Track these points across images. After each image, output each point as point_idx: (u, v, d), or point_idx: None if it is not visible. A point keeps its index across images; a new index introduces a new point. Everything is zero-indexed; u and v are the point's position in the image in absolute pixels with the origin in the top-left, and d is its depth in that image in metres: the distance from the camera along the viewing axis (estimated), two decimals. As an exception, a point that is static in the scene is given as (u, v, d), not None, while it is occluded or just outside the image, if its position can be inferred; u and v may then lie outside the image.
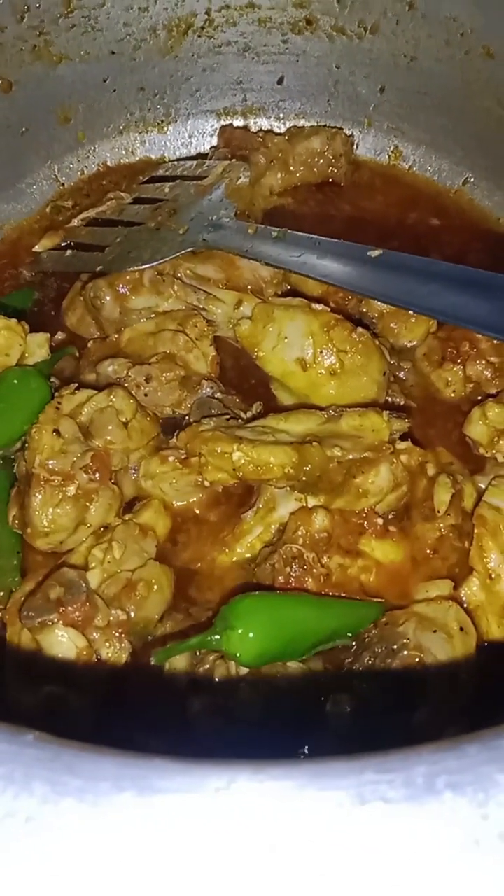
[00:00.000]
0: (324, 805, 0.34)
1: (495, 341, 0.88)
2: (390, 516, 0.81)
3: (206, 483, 0.83)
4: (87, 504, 0.79)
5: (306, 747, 0.65)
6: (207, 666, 0.71)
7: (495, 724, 0.39)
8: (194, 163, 1.06)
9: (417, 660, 0.69)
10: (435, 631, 0.71)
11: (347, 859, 0.33)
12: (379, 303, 0.91)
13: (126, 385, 0.86)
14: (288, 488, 0.80)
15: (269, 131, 1.14)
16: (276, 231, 0.90)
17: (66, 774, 0.34)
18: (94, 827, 0.32)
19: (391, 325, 0.93)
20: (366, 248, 0.83)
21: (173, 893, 0.32)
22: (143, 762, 0.36)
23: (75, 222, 1.06)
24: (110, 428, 0.81)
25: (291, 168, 1.09)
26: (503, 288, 0.72)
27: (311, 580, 0.76)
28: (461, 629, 0.71)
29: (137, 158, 1.16)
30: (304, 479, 0.78)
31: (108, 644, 0.73)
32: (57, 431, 0.79)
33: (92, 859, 0.32)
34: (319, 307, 0.87)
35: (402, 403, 0.90)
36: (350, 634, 0.73)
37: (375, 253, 0.82)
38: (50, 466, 0.78)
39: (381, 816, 0.34)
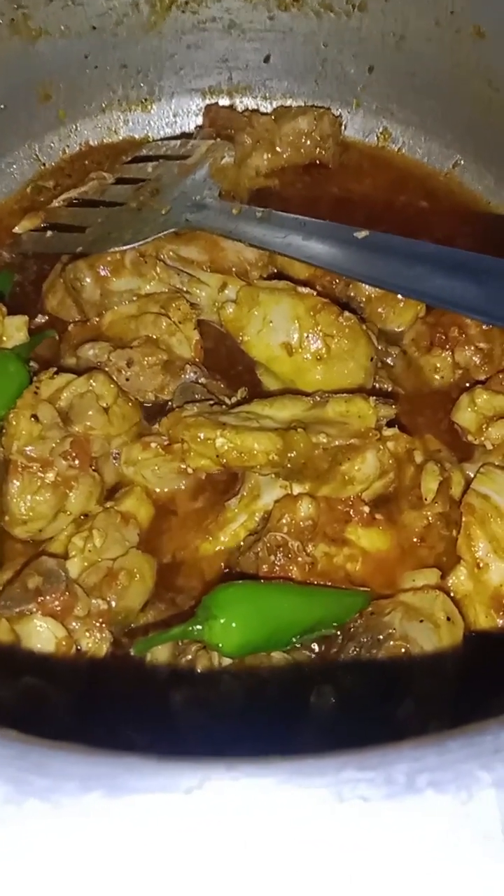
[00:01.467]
0: (301, 803, 0.33)
1: (484, 326, 0.86)
2: (377, 504, 0.79)
3: (190, 470, 0.81)
4: (67, 491, 0.77)
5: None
6: (189, 657, 0.70)
7: (481, 717, 0.38)
8: (178, 142, 1.04)
9: (403, 650, 0.68)
10: (421, 621, 0.70)
11: (326, 859, 0.32)
12: (367, 287, 0.89)
13: (107, 369, 0.84)
14: (273, 475, 0.78)
15: (256, 111, 1.12)
16: (261, 211, 0.88)
17: (32, 773, 0.32)
18: (56, 828, 0.31)
19: (379, 309, 0.91)
20: (352, 230, 0.81)
21: (140, 894, 0.31)
22: (115, 760, 0.34)
23: (56, 203, 1.04)
24: (90, 413, 0.79)
25: (278, 149, 1.07)
26: (490, 270, 0.71)
27: (295, 569, 0.74)
28: (448, 619, 0.70)
29: (120, 138, 1.13)
30: (288, 465, 0.76)
31: (88, 634, 0.72)
32: (35, 417, 0.77)
33: (52, 861, 0.30)
34: (305, 290, 0.85)
35: (389, 389, 0.88)
36: (335, 624, 0.72)
37: (362, 234, 0.80)
38: (28, 453, 0.76)
39: (361, 815, 0.32)
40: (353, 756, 0.34)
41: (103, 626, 0.72)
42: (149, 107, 1.13)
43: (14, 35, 0.99)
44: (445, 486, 0.79)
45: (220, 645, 0.65)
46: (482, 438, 0.81)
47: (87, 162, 1.11)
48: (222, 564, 0.79)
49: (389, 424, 0.80)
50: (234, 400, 0.85)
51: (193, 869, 0.31)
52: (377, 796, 0.33)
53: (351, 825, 0.32)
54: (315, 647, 0.72)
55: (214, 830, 0.32)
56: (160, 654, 0.71)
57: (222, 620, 0.65)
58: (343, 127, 1.12)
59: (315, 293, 0.85)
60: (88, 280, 0.88)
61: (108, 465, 0.82)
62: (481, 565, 0.73)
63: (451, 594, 0.74)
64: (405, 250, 0.78)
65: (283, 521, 0.75)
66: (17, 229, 1.01)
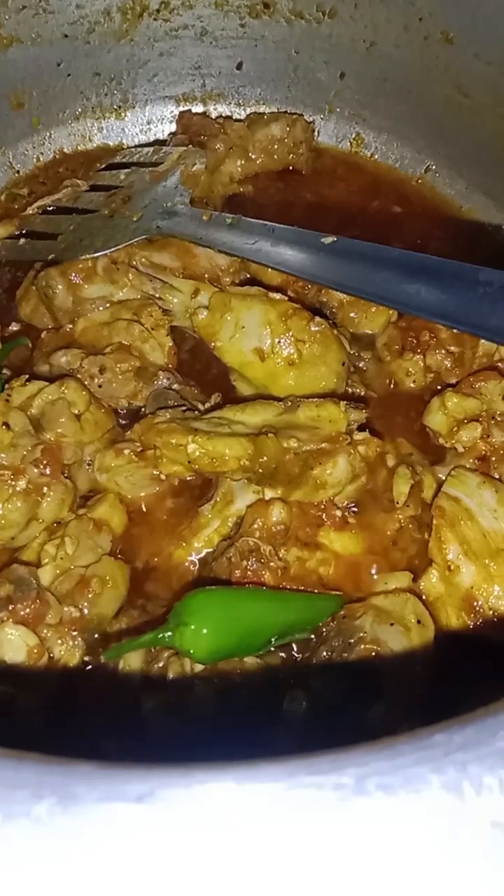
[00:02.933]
0: (252, 809, 0.33)
1: (455, 330, 0.87)
2: (350, 507, 0.80)
3: (163, 476, 0.82)
4: (39, 499, 0.77)
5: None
6: (161, 663, 0.70)
7: (453, 717, 0.38)
8: (151, 149, 1.04)
9: (374, 653, 0.68)
10: (392, 624, 0.70)
11: (276, 863, 0.32)
12: (339, 292, 0.90)
13: (79, 376, 0.84)
14: (245, 481, 0.79)
15: (229, 118, 1.13)
16: (231, 218, 0.88)
17: (-20, 783, 0.32)
18: (8, 837, 0.31)
19: (351, 314, 0.91)
20: (320, 235, 0.81)
21: (92, 906, 0.31)
22: (66, 768, 0.34)
23: (30, 210, 1.04)
24: (62, 420, 0.79)
25: (251, 155, 1.08)
26: (455, 275, 0.71)
27: (268, 574, 0.74)
28: (418, 622, 0.70)
29: (95, 145, 1.13)
30: (260, 470, 0.76)
31: (60, 642, 0.72)
32: (6, 424, 0.77)
33: (2, 872, 0.30)
34: (277, 296, 0.85)
35: (362, 394, 0.89)
36: (308, 628, 0.72)
37: (329, 240, 0.81)
38: (-1, 461, 0.76)
39: (312, 819, 0.32)
40: (303, 761, 0.34)
41: (76, 633, 0.72)
42: (122, 114, 1.13)
43: (-15, 43, 0.99)
44: (417, 489, 0.79)
45: (192, 651, 0.65)
46: (453, 441, 0.82)
47: (61, 169, 1.11)
48: (195, 570, 0.79)
49: (361, 429, 0.80)
50: (207, 406, 0.85)
51: (143, 878, 0.31)
52: (327, 800, 0.33)
53: (300, 830, 0.32)
54: (287, 651, 0.72)
55: (164, 839, 0.32)
56: (132, 660, 0.71)
57: (193, 626, 0.65)
58: (316, 133, 1.13)
59: (287, 299, 0.86)
60: (60, 287, 0.88)
61: (82, 472, 0.82)
62: (452, 568, 0.74)
63: (423, 597, 0.74)
64: (372, 255, 0.78)
65: (255, 525, 0.75)
66: (-10, 237, 1.01)
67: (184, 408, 0.84)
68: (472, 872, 0.32)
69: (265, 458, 0.76)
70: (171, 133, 1.12)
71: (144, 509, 0.82)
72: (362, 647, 0.68)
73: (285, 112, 1.12)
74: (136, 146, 1.13)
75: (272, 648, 0.71)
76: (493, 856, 0.32)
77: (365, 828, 0.32)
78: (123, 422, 0.86)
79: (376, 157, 1.12)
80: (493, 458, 0.81)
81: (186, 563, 0.80)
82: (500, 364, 0.86)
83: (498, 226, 1.03)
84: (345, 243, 0.80)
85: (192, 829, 0.32)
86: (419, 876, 0.31)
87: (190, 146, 1.01)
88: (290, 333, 0.83)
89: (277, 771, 0.34)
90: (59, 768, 0.35)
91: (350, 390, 0.88)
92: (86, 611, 0.73)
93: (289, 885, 0.31)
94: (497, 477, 0.79)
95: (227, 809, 0.33)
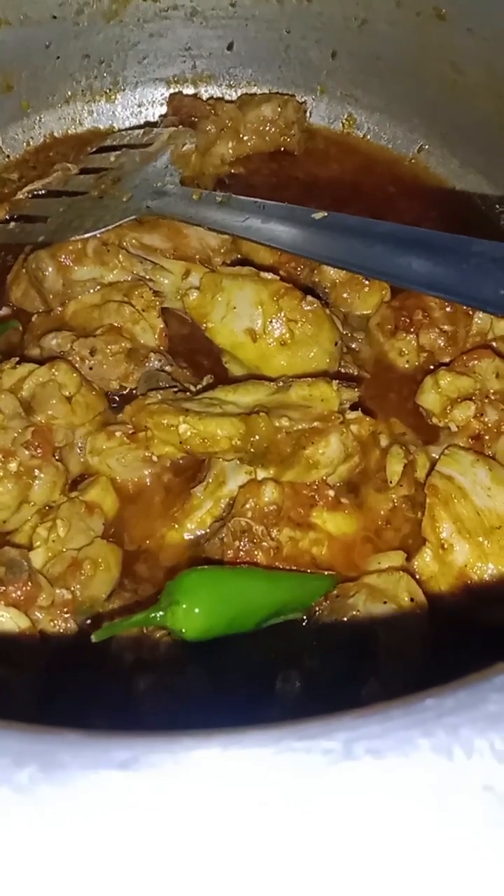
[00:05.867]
0: (237, 774, 0.32)
1: (448, 309, 0.86)
2: (342, 488, 0.79)
3: (155, 458, 0.81)
4: (30, 481, 0.76)
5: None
6: (154, 643, 0.69)
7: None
8: (142, 131, 1.03)
9: (367, 631, 0.67)
10: (385, 602, 0.69)
11: (262, 829, 0.31)
12: (332, 272, 0.89)
13: (70, 358, 0.83)
14: (237, 461, 0.78)
15: (220, 99, 1.12)
16: (221, 196, 0.88)
17: (-39, 751, 0.32)
18: (-12, 805, 0.30)
19: (344, 294, 0.91)
20: (310, 211, 0.81)
21: (75, 871, 0.30)
22: (49, 736, 0.34)
23: (20, 195, 1.03)
24: (53, 402, 0.78)
25: (243, 136, 1.07)
26: (447, 247, 0.70)
27: (260, 554, 0.74)
28: (411, 600, 0.70)
29: (85, 129, 1.12)
30: (252, 450, 0.76)
31: (52, 624, 0.71)
32: (-4, 407, 0.76)
33: (-17, 839, 0.30)
34: (269, 276, 0.84)
35: (355, 374, 0.88)
36: (301, 608, 0.72)
37: (319, 215, 0.80)
38: (-11, 443, 0.75)
39: (298, 784, 0.32)
40: (291, 727, 0.34)
41: (68, 615, 0.71)
42: (113, 97, 1.12)
43: (-29, 25, 0.98)
44: (410, 468, 0.78)
45: (183, 630, 0.65)
46: (446, 420, 0.81)
47: (51, 153, 1.10)
48: (189, 552, 0.79)
49: (353, 408, 0.80)
50: (199, 387, 0.84)
51: (127, 844, 0.31)
52: (315, 764, 0.32)
53: (288, 793, 0.32)
54: (280, 631, 0.71)
55: (149, 804, 0.32)
56: (125, 640, 0.70)
57: (184, 606, 0.64)
58: (308, 114, 1.12)
59: (279, 279, 0.85)
60: (50, 270, 0.87)
61: (73, 455, 0.82)
62: (446, 546, 0.73)
63: (417, 576, 0.74)
64: (364, 230, 0.78)
65: (248, 506, 0.75)
66: (-20, 222, 1.00)
67: (175, 389, 0.84)
68: (463, 835, 0.31)
69: (257, 438, 0.75)
70: (161, 115, 1.11)
71: (136, 491, 0.82)
72: (355, 625, 0.68)
73: (277, 93, 1.11)
74: (126, 129, 1.12)
75: (265, 627, 0.71)
76: (485, 819, 0.32)
77: (354, 792, 0.31)
78: (115, 404, 0.85)
79: (369, 137, 1.11)
80: (487, 437, 0.80)
81: (179, 545, 0.79)
82: (493, 343, 0.85)
83: (492, 205, 1.02)
84: (336, 218, 0.79)
85: (178, 795, 0.32)
86: (410, 839, 0.31)
87: (180, 127, 1.00)
88: (282, 313, 0.82)
89: (264, 737, 0.34)
90: (42, 737, 0.34)
91: (343, 370, 0.87)
92: (78, 593, 0.73)
93: (277, 850, 0.31)
94: (490, 455, 0.78)
95: (214, 775, 0.32)
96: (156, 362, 0.86)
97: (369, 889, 0.29)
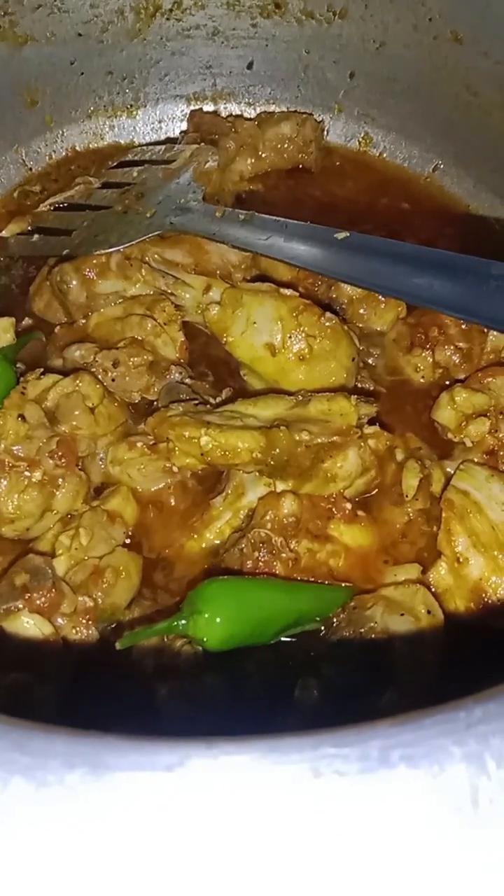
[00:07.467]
0: (278, 779, 0.34)
1: (464, 326, 0.88)
2: (359, 501, 0.80)
3: (175, 469, 0.82)
4: (54, 490, 0.78)
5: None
6: (175, 651, 0.71)
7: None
8: (163, 147, 1.05)
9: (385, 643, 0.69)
10: (402, 614, 0.71)
11: (302, 833, 0.33)
12: (349, 288, 0.91)
13: (93, 370, 0.85)
14: (256, 473, 0.79)
15: (239, 116, 1.14)
16: (244, 214, 0.89)
17: (14, 752, 0.33)
18: (43, 804, 0.32)
19: (361, 310, 0.92)
20: (332, 231, 0.82)
21: (125, 869, 0.32)
22: (96, 740, 0.35)
23: (43, 207, 1.05)
24: (76, 413, 0.80)
25: (261, 154, 1.09)
26: (468, 269, 0.72)
27: (279, 565, 0.75)
28: (428, 612, 0.71)
29: (106, 143, 1.14)
30: (272, 463, 0.77)
31: (74, 631, 0.73)
32: (22, 416, 0.78)
33: (40, 837, 0.31)
34: (288, 292, 0.86)
35: (371, 389, 0.90)
36: (318, 618, 0.73)
37: (342, 235, 0.82)
38: (15, 452, 0.77)
39: (336, 790, 0.33)
40: (328, 734, 0.35)
41: (90, 622, 0.73)
42: (134, 113, 1.14)
43: (1, 41, 1.00)
44: (426, 482, 0.80)
45: (205, 639, 0.66)
46: (461, 436, 0.83)
47: (73, 167, 1.12)
48: (208, 562, 0.80)
49: (371, 423, 0.81)
50: (218, 400, 0.86)
51: (174, 844, 0.32)
52: (352, 771, 0.34)
53: (327, 799, 0.33)
54: (298, 640, 0.73)
55: (194, 806, 0.33)
56: (146, 648, 0.72)
57: (206, 615, 0.66)
58: (325, 132, 1.14)
59: (298, 295, 0.87)
60: (74, 283, 0.89)
61: (95, 465, 0.83)
62: (461, 560, 0.75)
63: (433, 588, 0.75)
64: (385, 250, 0.79)
65: (267, 517, 0.76)
66: (3, 233, 1.02)
67: (195, 402, 0.85)
68: (495, 841, 0.33)
69: (277, 451, 0.77)
70: (182, 132, 1.13)
71: (156, 502, 0.83)
72: (373, 636, 0.69)
73: (295, 111, 1.13)
74: (147, 144, 1.14)
75: (283, 637, 0.72)
76: (513, 825, 0.33)
77: (391, 797, 0.33)
78: (136, 415, 0.87)
79: (385, 155, 1.13)
80: (501, 453, 0.82)
81: (197, 555, 0.80)
82: (508, 360, 0.87)
83: (506, 223, 1.04)
84: (358, 238, 0.81)
85: (222, 797, 0.33)
86: (442, 844, 0.32)
87: (202, 144, 1.02)
88: (301, 329, 0.84)
89: (302, 743, 0.35)
90: (89, 740, 0.36)
91: (359, 385, 0.89)
92: (100, 600, 0.74)
93: (315, 853, 0.32)
94: (505, 471, 0.80)
95: (255, 779, 0.34)
96: (176, 375, 0.88)
97: (408, 894, 0.31)
